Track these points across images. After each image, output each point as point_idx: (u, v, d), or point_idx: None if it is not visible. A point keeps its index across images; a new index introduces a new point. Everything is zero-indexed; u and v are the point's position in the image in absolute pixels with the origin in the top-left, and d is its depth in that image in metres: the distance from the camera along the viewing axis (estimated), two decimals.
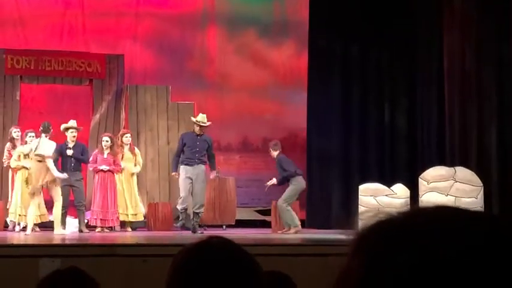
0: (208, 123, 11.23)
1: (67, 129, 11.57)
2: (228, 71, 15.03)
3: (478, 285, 0.71)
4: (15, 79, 13.26)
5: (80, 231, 11.25)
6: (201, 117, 11.29)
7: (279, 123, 14.89)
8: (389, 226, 0.79)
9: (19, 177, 11.38)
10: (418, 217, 0.79)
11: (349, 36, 13.74)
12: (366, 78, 13.84)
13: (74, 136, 11.61)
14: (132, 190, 12.14)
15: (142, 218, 12.22)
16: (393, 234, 0.77)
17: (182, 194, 11.01)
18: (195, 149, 10.98)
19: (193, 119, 11.38)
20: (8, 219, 11.69)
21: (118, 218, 11.77)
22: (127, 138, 12.20)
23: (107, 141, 11.77)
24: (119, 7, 14.69)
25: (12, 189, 11.65)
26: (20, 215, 11.32)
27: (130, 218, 12.02)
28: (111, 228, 11.68)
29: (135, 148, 12.37)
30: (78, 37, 14.43)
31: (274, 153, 11.61)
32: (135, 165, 12.22)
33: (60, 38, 14.35)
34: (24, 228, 11.42)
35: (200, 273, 1.59)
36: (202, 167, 11.03)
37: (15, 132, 11.88)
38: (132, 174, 12.16)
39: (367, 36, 13.66)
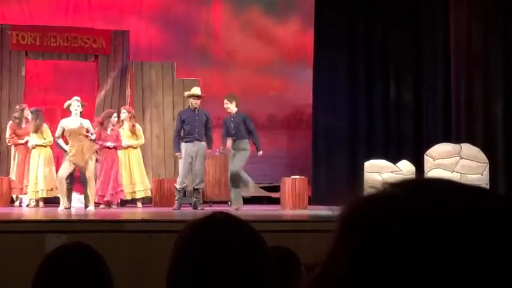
0: (201, 95, 11.14)
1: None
2: (233, 47, 14.99)
3: (481, 261, 0.68)
4: (20, 55, 13.25)
5: (86, 206, 11.27)
6: (194, 90, 11.25)
7: (284, 100, 14.86)
8: (384, 200, 0.73)
9: (42, 155, 11.38)
10: (417, 190, 0.74)
11: (354, 13, 13.66)
12: (371, 55, 13.77)
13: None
14: (138, 165, 12.17)
15: (150, 194, 12.25)
16: (388, 208, 0.71)
17: (181, 172, 11.00)
18: (194, 124, 10.93)
19: (186, 93, 11.40)
20: (25, 197, 11.66)
21: (118, 194, 11.73)
22: (125, 114, 12.21)
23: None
24: None
25: (23, 167, 11.66)
26: (42, 190, 11.36)
27: (138, 195, 12.08)
28: (109, 204, 11.64)
29: (136, 124, 12.34)
30: (84, 13, 14.38)
31: (232, 107, 10.95)
32: (138, 139, 12.24)
33: (65, 13, 14.31)
34: (29, 205, 11.46)
35: (205, 249, 1.59)
36: (202, 143, 10.99)
37: (27, 111, 11.84)
38: (135, 149, 12.16)
39: (373, 13, 13.59)
